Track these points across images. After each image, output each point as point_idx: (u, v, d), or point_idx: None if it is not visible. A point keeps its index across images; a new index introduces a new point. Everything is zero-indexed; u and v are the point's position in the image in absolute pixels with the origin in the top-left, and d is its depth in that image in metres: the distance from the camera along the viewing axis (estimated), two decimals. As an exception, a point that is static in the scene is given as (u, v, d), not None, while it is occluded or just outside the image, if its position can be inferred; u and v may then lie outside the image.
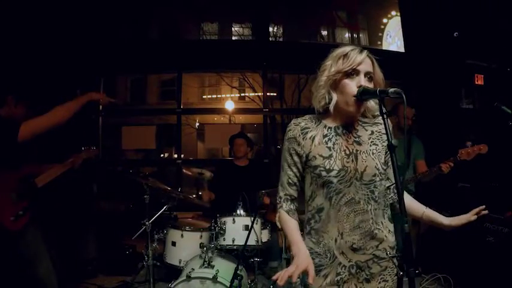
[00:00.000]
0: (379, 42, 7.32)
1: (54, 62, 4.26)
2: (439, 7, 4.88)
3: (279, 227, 1.50)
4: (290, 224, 1.44)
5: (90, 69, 5.11)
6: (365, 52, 1.35)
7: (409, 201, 1.50)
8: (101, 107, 5.48)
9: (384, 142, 1.43)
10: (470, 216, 1.48)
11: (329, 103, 1.38)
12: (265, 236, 3.24)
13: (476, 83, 5.00)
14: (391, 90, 1.20)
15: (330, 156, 1.38)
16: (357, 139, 1.42)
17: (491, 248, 3.13)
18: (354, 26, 7.74)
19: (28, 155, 2.49)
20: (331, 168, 1.36)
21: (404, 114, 1.21)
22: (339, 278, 1.37)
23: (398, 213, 1.40)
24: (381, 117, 1.33)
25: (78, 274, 3.69)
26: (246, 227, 3.01)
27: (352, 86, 1.33)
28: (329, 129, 1.43)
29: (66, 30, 4.43)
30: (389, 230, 1.43)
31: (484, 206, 1.45)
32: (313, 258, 1.36)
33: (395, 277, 1.42)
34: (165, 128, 7.72)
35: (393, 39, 6.83)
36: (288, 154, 1.46)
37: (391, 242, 1.42)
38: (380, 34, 7.26)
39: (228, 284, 2.51)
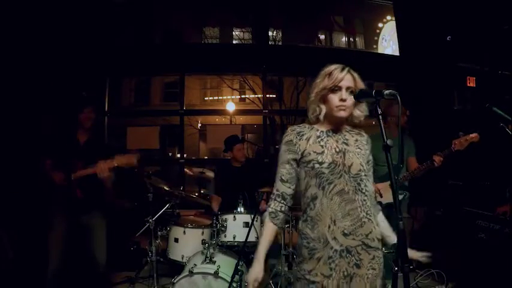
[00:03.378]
0: (374, 46, 7.32)
1: (62, 65, 4.27)
2: (432, 12, 4.89)
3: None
4: (267, 228, 1.60)
5: (96, 72, 5.11)
6: (346, 70, 1.53)
7: (382, 223, 1.62)
8: (106, 107, 5.48)
9: (365, 150, 1.59)
10: (419, 256, 1.64)
11: (319, 114, 1.56)
12: (264, 232, 3.23)
13: (469, 85, 5.00)
14: (386, 91, 1.22)
15: (322, 152, 1.53)
16: (345, 141, 1.58)
17: (483, 245, 3.13)
18: (351, 30, 7.74)
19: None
20: (323, 161, 1.51)
21: (399, 114, 1.22)
22: (330, 260, 1.47)
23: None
24: (362, 132, 1.62)
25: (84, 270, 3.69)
26: (246, 224, 3.02)
27: (335, 99, 1.51)
28: (321, 132, 1.59)
29: (74, 35, 4.44)
30: (377, 224, 1.55)
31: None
32: (308, 243, 1.51)
33: (382, 266, 1.51)
34: (169, 128, 7.72)
35: (388, 43, 6.83)
36: (284, 154, 1.60)
37: (378, 234, 1.53)
38: (375, 38, 7.25)
39: (229, 279, 2.50)
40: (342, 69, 1.52)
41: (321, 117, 1.56)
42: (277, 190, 1.59)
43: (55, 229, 2.75)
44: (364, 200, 1.50)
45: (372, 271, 1.47)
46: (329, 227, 1.47)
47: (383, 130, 1.23)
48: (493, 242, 3.04)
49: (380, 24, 7.13)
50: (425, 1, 4.97)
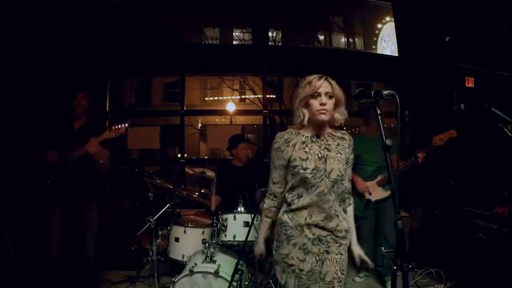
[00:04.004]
0: (374, 47, 7.33)
1: (64, 66, 4.27)
2: (431, 13, 4.88)
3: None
4: (264, 221, 1.94)
5: (98, 72, 5.11)
6: (323, 78, 1.73)
7: (349, 215, 1.89)
8: (107, 108, 5.48)
9: (345, 153, 1.79)
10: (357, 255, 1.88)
11: (303, 119, 1.75)
12: (264, 232, 3.23)
13: (467, 85, 5.00)
14: (385, 92, 1.23)
15: (307, 158, 1.74)
16: (327, 146, 1.78)
17: (481, 244, 3.13)
18: (350, 31, 7.75)
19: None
20: (307, 167, 1.72)
21: (398, 114, 1.22)
22: (304, 247, 1.74)
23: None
24: (345, 135, 1.82)
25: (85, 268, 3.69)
26: (246, 224, 3.02)
27: (316, 103, 1.71)
28: (306, 138, 1.79)
29: (75, 36, 4.44)
30: (343, 218, 1.80)
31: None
32: (286, 230, 1.79)
33: (347, 252, 1.81)
34: (169, 128, 7.71)
35: (387, 43, 6.84)
36: (274, 159, 1.83)
37: (345, 227, 1.79)
38: (375, 39, 7.26)
39: (229, 279, 2.51)
40: (320, 78, 1.71)
41: (305, 121, 1.74)
42: (270, 190, 1.88)
43: (51, 220, 2.79)
44: (335, 200, 1.75)
45: (339, 256, 1.76)
46: (305, 219, 1.74)
47: (382, 130, 1.23)
48: (491, 242, 3.04)
49: (379, 25, 7.14)
50: (424, 2, 4.97)
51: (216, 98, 12.58)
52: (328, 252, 1.75)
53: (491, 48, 4.64)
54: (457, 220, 3.49)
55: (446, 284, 3.33)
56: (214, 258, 2.70)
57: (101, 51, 5.02)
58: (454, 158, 3.13)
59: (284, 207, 1.83)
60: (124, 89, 10.73)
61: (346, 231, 1.80)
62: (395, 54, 6.05)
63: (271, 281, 3.19)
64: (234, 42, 8.11)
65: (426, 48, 4.99)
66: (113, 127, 2.78)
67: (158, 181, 3.33)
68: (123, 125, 2.76)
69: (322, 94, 1.69)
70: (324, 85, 1.70)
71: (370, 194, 3.31)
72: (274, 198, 1.88)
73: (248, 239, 2.74)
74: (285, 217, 1.80)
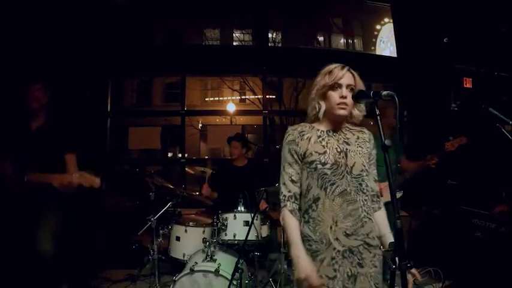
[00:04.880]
0: (372, 48, 7.33)
1: (65, 67, 4.26)
2: (429, 14, 4.88)
3: (282, 225, 1.55)
4: (292, 224, 1.51)
5: (99, 73, 5.11)
6: (346, 68, 1.52)
7: (381, 219, 1.58)
8: (108, 108, 5.49)
9: (367, 148, 1.57)
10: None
11: (319, 111, 1.54)
12: (264, 231, 3.24)
13: (465, 86, 5.00)
14: (384, 92, 1.22)
15: (324, 152, 1.51)
16: (346, 140, 1.56)
17: (479, 243, 3.13)
18: (349, 32, 7.75)
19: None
20: (325, 162, 1.49)
21: (396, 114, 1.23)
22: (334, 261, 1.45)
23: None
24: (363, 129, 1.61)
25: (87, 267, 3.69)
26: (247, 223, 3.02)
27: (335, 96, 1.50)
28: (322, 132, 1.57)
29: (77, 37, 4.43)
30: (376, 223, 1.54)
31: None
32: (310, 245, 1.48)
33: (381, 263, 1.52)
34: (170, 128, 7.70)
35: (386, 44, 6.84)
36: (288, 154, 1.56)
37: (378, 232, 1.52)
38: (374, 40, 7.27)
39: (229, 277, 2.51)
40: (342, 68, 1.51)
41: (320, 114, 1.54)
42: (289, 191, 1.54)
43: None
44: (365, 200, 1.50)
45: (374, 269, 1.47)
46: (331, 228, 1.46)
47: (381, 130, 1.23)
48: (489, 241, 3.05)
49: (378, 26, 7.14)
50: (423, 3, 4.97)
51: (217, 99, 12.58)
52: (361, 266, 1.46)
53: (489, 49, 4.64)
54: (455, 219, 3.49)
55: (445, 283, 3.33)
56: (215, 257, 2.70)
57: (103, 52, 5.01)
58: (452, 158, 3.13)
59: (304, 218, 1.54)
60: (125, 89, 10.75)
61: (380, 237, 1.53)
62: (394, 55, 6.05)
63: (270, 279, 3.19)
64: (234, 43, 8.11)
65: (424, 49, 4.99)
66: (87, 172, 2.16)
67: (159, 181, 3.33)
68: (97, 178, 2.14)
69: (344, 86, 1.49)
70: (346, 76, 1.50)
71: (382, 196, 3.26)
72: (296, 201, 1.54)
73: (248, 238, 2.74)
74: (306, 229, 1.51)
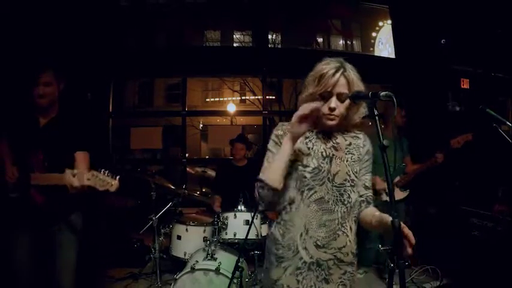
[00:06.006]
0: (371, 49, 7.32)
1: (68, 68, 4.26)
2: (427, 16, 4.89)
3: (261, 194, 1.36)
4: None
5: (101, 74, 5.11)
6: (339, 73, 1.34)
7: (373, 210, 1.42)
8: (110, 109, 5.49)
9: (359, 154, 1.44)
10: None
11: None
12: (264, 230, 3.24)
13: (462, 86, 5.00)
14: (383, 93, 1.20)
15: (308, 154, 1.40)
16: (334, 145, 1.44)
17: (476, 242, 3.13)
18: (348, 34, 7.74)
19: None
20: (307, 164, 1.38)
21: (394, 115, 1.22)
22: (298, 272, 1.36)
23: (362, 229, 1.40)
24: (359, 134, 1.48)
25: (90, 266, 3.69)
26: (247, 222, 3.02)
27: (324, 106, 1.35)
28: (311, 132, 1.45)
29: (80, 39, 4.43)
30: (353, 239, 1.41)
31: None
32: (277, 249, 1.40)
33: (353, 282, 1.41)
34: (171, 129, 7.71)
35: (384, 45, 6.83)
36: (273, 145, 1.44)
37: (354, 249, 1.41)
38: (372, 41, 7.26)
39: (229, 276, 2.51)
40: (335, 73, 1.34)
41: None
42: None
43: (18, 245, 2.02)
44: (344, 212, 1.37)
45: (342, 287, 1.36)
46: (301, 235, 1.36)
47: (380, 131, 1.23)
48: (486, 240, 3.04)
49: (376, 28, 7.14)
50: (421, 5, 4.97)
51: (217, 99, 12.58)
52: (327, 282, 1.35)
53: (486, 50, 4.64)
54: (452, 218, 3.49)
55: (442, 281, 3.33)
56: (215, 256, 2.70)
57: (105, 54, 5.02)
58: (450, 158, 3.14)
59: (278, 218, 1.45)
60: (127, 90, 10.75)
61: (355, 255, 1.41)
62: (392, 56, 6.05)
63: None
64: (235, 45, 8.10)
65: (422, 51, 4.99)
66: (102, 172, 1.82)
67: (160, 180, 3.33)
68: (114, 180, 1.82)
69: (334, 96, 1.35)
70: (339, 83, 1.34)
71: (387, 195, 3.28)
72: None
73: (248, 237, 2.74)
74: (276, 232, 1.43)
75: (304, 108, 1.26)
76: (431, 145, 3.32)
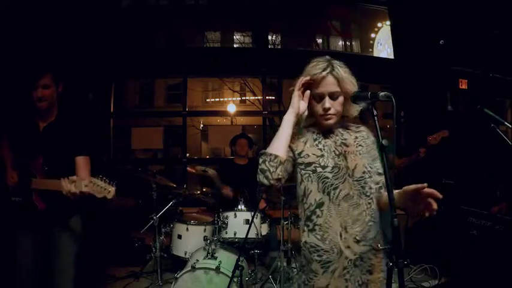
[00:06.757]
0: (370, 50, 7.31)
1: (70, 68, 4.27)
2: (426, 17, 4.89)
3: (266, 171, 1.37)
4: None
5: (102, 75, 5.12)
6: (328, 71, 1.37)
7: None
8: (111, 109, 5.49)
9: (367, 145, 1.46)
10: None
11: (308, 118, 1.48)
12: (264, 229, 3.24)
13: (461, 87, 5.00)
14: (382, 94, 1.21)
15: (322, 155, 1.41)
16: (343, 141, 1.45)
17: (474, 241, 3.13)
18: (347, 34, 7.73)
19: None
20: (325, 165, 1.39)
21: (394, 115, 1.23)
22: (345, 271, 1.35)
23: (381, 209, 1.42)
24: (360, 127, 1.50)
25: (91, 266, 3.69)
26: (247, 221, 3.02)
27: (318, 108, 1.41)
28: (318, 134, 1.47)
29: (81, 39, 4.44)
30: (380, 226, 1.44)
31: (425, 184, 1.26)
32: (320, 255, 1.37)
33: (386, 267, 1.40)
34: (172, 129, 7.71)
35: (383, 46, 6.82)
36: None
37: (381, 236, 1.44)
38: (371, 42, 7.25)
39: (230, 274, 2.50)
40: (323, 70, 1.37)
41: (304, 116, 1.44)
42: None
43: (19, 246, 2.02)
44: (369, 203, 1.38)
45: (382, 274, 1.38)
46: (341, 235, 1.35)
47: (379, 131, 1.23)
48: (485, 239, 3.04)
49: (375, 29, 7.13)
50: (419, 6, 4.97)
51: (217, 100, 12.56)
52: (371, 273, 1.36)
53: (484, 51, 4.65)
54: (451, 218, 3.49)
55: (441, 280, 3.33)
56: (216, 255, 2.70)
57: (106, 55, 5.02)
58: (448, 158, 3.14)
59: (307, 226, 1.41)
60: (128, 90, 10.75)
61: (384, 241, 1.42)
62: (391, 57, 6.06)
63: (270, 276, 3.19)
64: (235, 45, 8.09)
65: (421, 51, 4.99)
66: (100, 179, 1.79)
67: (161, 180, 3.33)
68: (112, 187, 1.81)
69: (326, 97, 1.38)
70: (328, 83, 1.37)
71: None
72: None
73: (248, 236, 2.74)
74: (313, 238, 1.38)
75: (301, 81, 1.38)
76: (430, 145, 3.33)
